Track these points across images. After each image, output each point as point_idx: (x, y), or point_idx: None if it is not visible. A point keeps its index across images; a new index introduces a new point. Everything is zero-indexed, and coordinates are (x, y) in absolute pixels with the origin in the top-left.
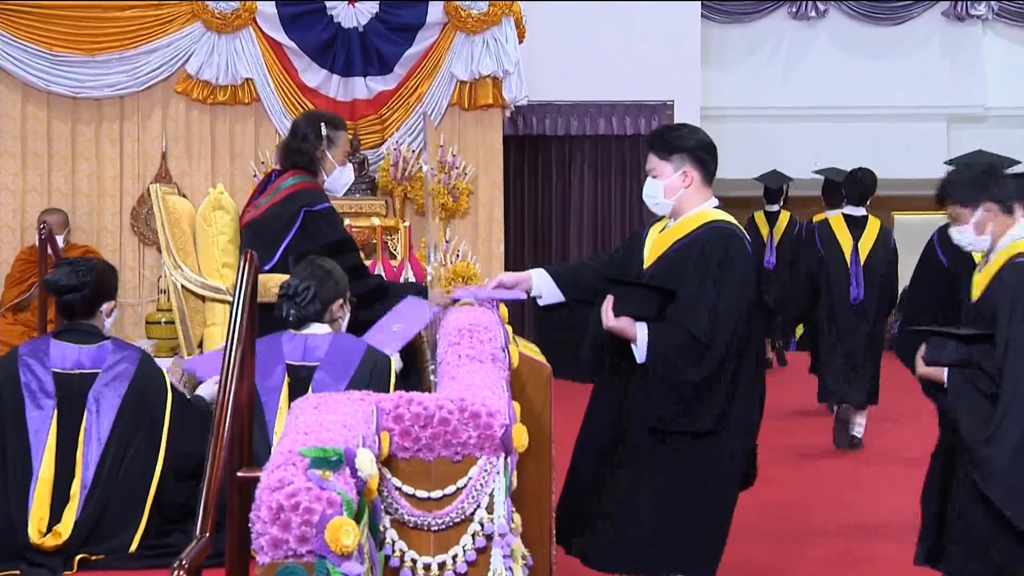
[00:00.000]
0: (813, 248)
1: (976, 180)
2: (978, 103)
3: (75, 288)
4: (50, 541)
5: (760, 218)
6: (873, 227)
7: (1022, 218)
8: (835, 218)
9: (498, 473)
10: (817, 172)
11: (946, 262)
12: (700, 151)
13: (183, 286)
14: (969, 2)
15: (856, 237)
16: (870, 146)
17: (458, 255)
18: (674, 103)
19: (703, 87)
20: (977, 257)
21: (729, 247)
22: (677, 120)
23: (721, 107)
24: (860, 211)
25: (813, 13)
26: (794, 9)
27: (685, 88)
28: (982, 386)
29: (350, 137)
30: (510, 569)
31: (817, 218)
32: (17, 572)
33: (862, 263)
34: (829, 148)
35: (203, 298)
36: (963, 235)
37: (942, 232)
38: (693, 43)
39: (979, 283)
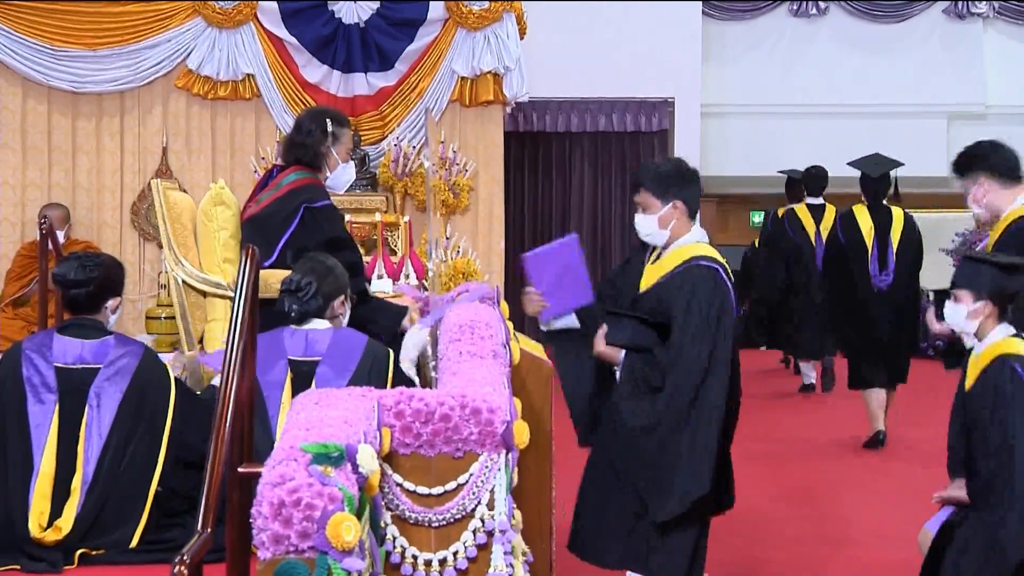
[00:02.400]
0: (785, 234)
1: (670, 176)
2: (978, 101)
3: (82, 283)
4: (50, 535)
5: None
6: (830, 213)
7: (696, 225)
8: (800, 208)
9: (499, 469)
10: (781, 172)
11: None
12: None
13: (184, 281)
14: (969, 0)
15: (818, 222)
16: (870, 143)
17: (459, 251)
18: (675, 100)
19: (704, 84)
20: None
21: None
22: (677, 116)
23: (721, 104)
24: (819, 201)
25: (814, 11)
26: (795, 7)
27: (686, 85)
28: (651, 377)
29: (353, 134)
30: (511, 565)
31: (781, 210)
32: (18, 567)
33: (824, 242)
34: (829, 145)
35: (204, 293)
36: (646, 224)
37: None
38: (694, 40)
39: (650, 275)
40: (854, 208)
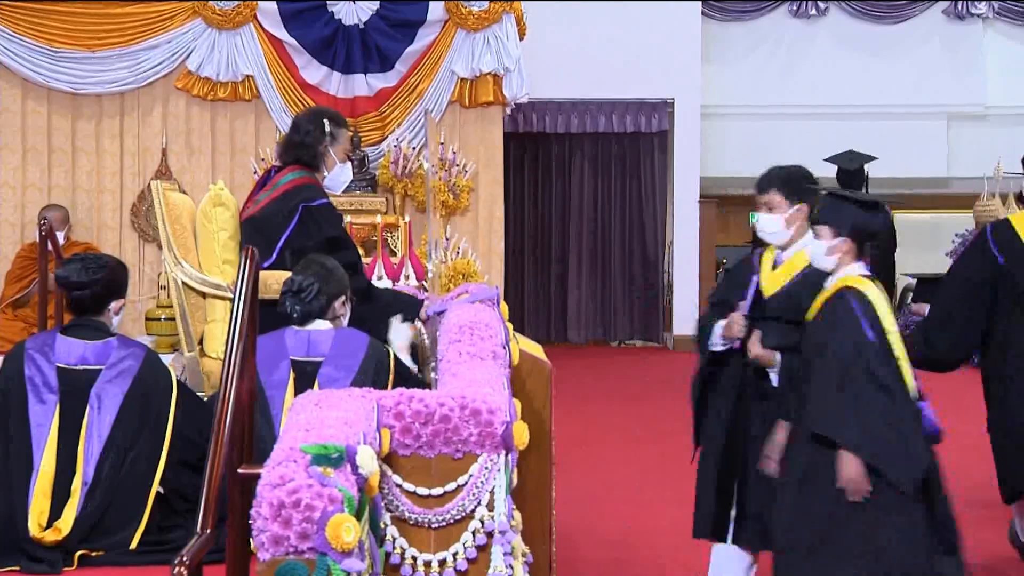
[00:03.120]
0: None
1: (800, 180)
2: (978, 102)
3: (85, 285)
4: (50, 536)
5: None
6: None
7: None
8: None
9: (499, 470)
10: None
11: (1001, 260)
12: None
13: (183, 282)
14: (969, 1)
15: None
16: (870, 144)
17: (458, 252)
18: (674, 101)
19: (703, 85)
20: (769, 255)
21: None
22: (677, 117)
23: (721, 105)
24: None
25: (814, 11)
26: (795, 7)
27: (686, 86)
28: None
29: (351, 135)
30: (511, 566)
31: None
32: (18, 567)
33: None
34: (829, 146)
35: (203, 294)
36: (772, 223)
37: (996, 228)
38: (694, 41)
39: (776, 279)
40: None
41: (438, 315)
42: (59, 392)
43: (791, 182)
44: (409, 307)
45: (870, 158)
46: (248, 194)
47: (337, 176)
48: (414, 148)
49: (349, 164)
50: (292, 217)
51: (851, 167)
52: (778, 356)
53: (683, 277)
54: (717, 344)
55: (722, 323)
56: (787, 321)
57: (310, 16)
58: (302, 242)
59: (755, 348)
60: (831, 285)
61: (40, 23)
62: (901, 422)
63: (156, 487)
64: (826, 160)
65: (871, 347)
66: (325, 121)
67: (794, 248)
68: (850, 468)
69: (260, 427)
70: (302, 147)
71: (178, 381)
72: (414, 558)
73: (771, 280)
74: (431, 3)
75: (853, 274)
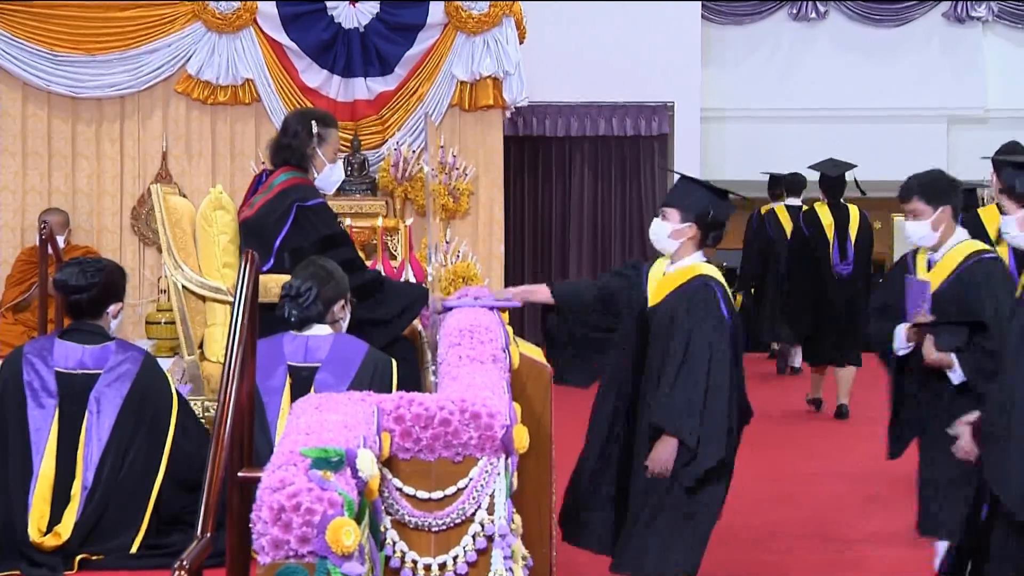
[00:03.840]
0: (764, 230)
1: (944, 186)
2: (978, 105)
3: (83, 289)
4: (50, 541)
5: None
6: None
7: (959, 226)
8: (779, 208)
9: (499, 474)
10: (764, 172)
11: None
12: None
13: (183, 286)
14: (969, 4)
15: (794, 221)
16: (870, 147)
17: (458, 255)
18: (674, 104)
19: (703, 88)
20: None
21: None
22: (677, 120)
23: (721, 108)
24: (797, 202)
25: (813, 14)
26: (794, 10)
27: (685, 89)
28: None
29: (349, 137)
30: (510, 570)
31: (764, 209)
32: (18, 572)
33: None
34: (828, 149)
35: (203, 298)
36: (919, 228)
37: (965, 224)
38: (693, 44)
39: (931, 280)
40: (815, 205)
41: (445, 310)
42: (58, 396)
43: (930, 188)
44: (418, 296)
45: (850, 166)
46: (243, 198)
47: (327, 176)
48: (414, 151)
49: (340, 164)
50: (287, 218)
51: (832, 173)
52: (954, 356)
53: None
54: (902, 348)
55: (903, 327)
56: (956, 322)
57: (310, 19)
58: (299, 242)
59: (930, 354)
60: (675, 270)
61: (40, 27)
62: (727, 408)
63: (156, 490)
64: (810, 167)
65: (728, 330)
66: (312, 122)
67: (945, 248)
68: (666, 449)
69: (255, 432)
70: (289, 149)
71: (180, 396)
72: (414, 562)
73: (930, 278)
74: (431, 6)
75: (699, 262)
